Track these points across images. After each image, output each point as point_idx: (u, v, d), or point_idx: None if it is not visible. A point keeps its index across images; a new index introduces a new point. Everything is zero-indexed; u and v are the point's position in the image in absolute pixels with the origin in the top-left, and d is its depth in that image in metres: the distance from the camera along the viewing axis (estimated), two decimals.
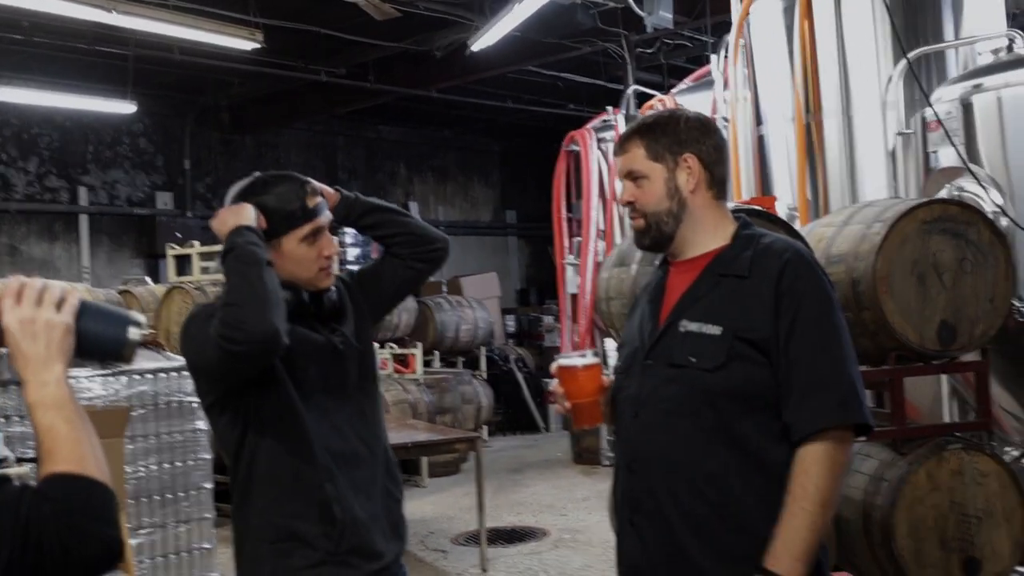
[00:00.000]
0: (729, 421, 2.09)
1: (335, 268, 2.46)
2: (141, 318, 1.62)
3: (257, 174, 2.45)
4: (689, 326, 2.14)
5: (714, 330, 2.11)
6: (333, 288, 2.47)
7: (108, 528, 1.39)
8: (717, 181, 2.24)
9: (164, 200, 13.77)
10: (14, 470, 4.26)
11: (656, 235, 2.25)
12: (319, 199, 2.40)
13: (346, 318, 2.50)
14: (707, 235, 2.22)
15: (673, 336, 2.17)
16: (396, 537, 2.47)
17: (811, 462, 2.03)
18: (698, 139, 2.22)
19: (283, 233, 2.33)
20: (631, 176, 2.25)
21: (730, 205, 4.04)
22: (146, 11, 7.80)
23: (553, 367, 2.31)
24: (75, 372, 5.45)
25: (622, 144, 2.28)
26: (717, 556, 2.09)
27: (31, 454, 4.83)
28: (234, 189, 2.43)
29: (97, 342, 1.57)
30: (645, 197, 2.23)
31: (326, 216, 2.41)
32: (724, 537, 2.09)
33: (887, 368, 3.97)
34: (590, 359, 2.28)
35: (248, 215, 2.30)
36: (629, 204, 2.27)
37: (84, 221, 12.92)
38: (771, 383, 2.08)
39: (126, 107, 11.03)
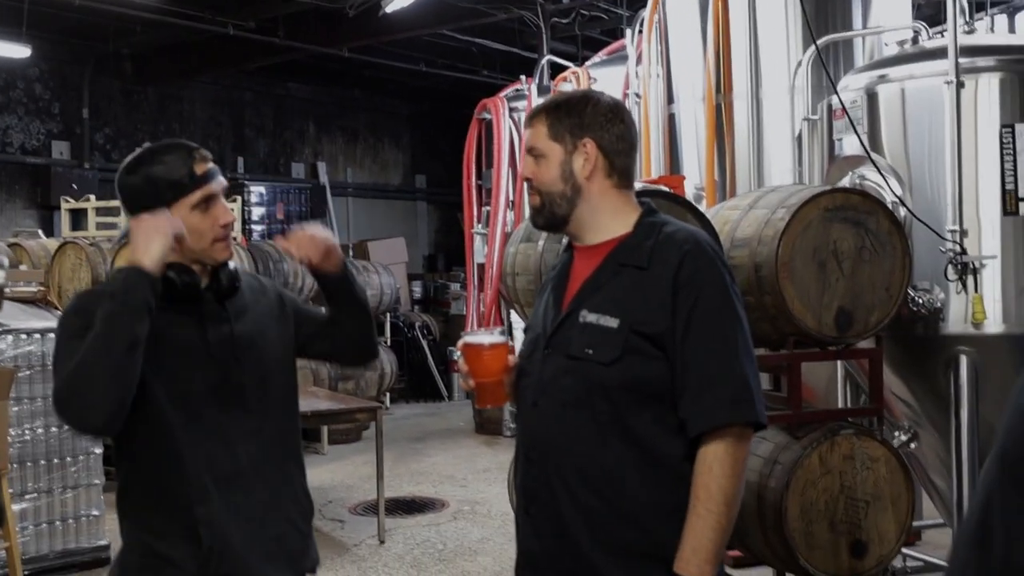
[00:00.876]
0: (624, 415, 2.07)
1: (232, 238, 2.35)
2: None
3: (147, 144, 2.34)
4: (588, 317, 2.12)
5: (611, 322, 2.08)
6: (233, 265, 2.36)
7: None
8: (619, 170, 2.19)
9: (60, 149, 13.28)
10: None
11: (549, 215, 2.22)
12: (210, 166, 2.29)
13: (248, 310, 2.37)
14: (607, 222, 2.18)
15: (572, 326, 2.14)
16: (289, 569, 2.35)
17: (712, 461, 2.02)
18: (602, 125, 2.16)
19: (171, 201, 2.22)
20: (532, 152, 2.22)
21: (638, 185, 4.04)
22: None
23: (459, 344, 2.28)
24: None
25: (529, 119, 2.26)
26: (609, 550, 2.07)
27: None
28: (124, 163, 2.30)
29: None
30: (541, 175, 2.20)
31: (219, 183, 2.29)
32: (616, 531, 2.08)
33: (785, 353, 4.02)
34: (497, 338, 2.24)
35: (160, 249, 2.13)
36: (527, 180, 2.25)
37: None
38: (667, 377, 2.06)
39: (20, 51, 10.55)
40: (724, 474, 2.01)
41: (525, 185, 2.30)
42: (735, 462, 2.03)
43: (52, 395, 2.12)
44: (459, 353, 2.26)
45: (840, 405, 5.14)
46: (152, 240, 2.13)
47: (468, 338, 2.24)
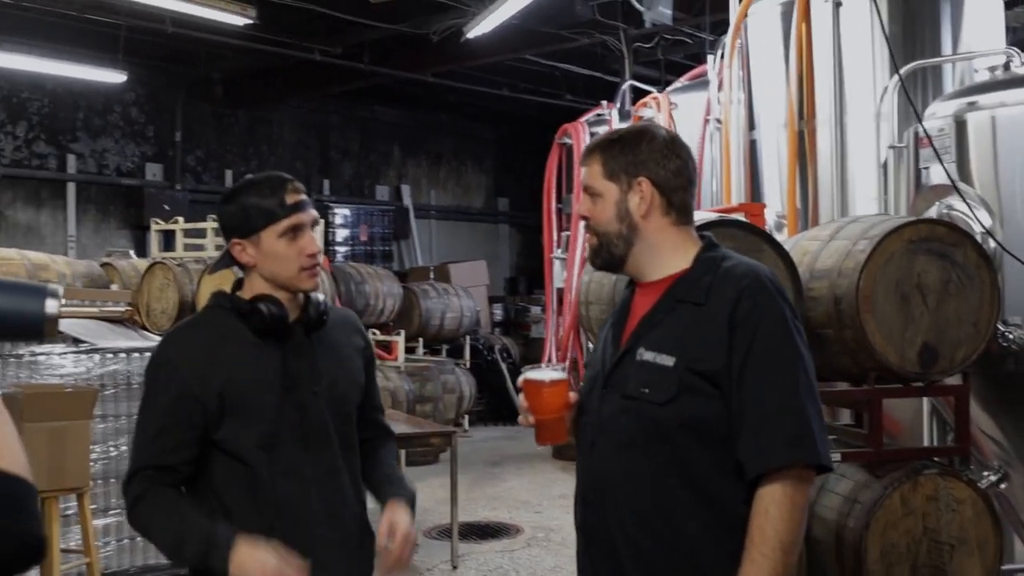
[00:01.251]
0: (682, 456, 2.02)
1: (319, 270, 2.39)
2: (59, 289, 1.51)
3: (248, 176, 2.42)
4: (645, 355, 2.07)
5: (667, 361, 2.03)
6: (322, 297, 2.40)
7: (22, 524, 1.26)
8: (676, 207, 2.13)
9: (153, 171, 13.66)
10: None
11: (607, 256, 2.18)
12: (302, 197, 2.34)
13: (334, 345, 2.41)
14: (665, 259, 2.14)
15: (629, 364, 2.10)
16: None
17: (768, 503, 1.94)
18: (657, 162, 2.12)
19: (261, 227, 2.29)
20: (587, 191, 2.19)
21: (711, 215, 3.98)
22: None
23: (520, 379, 2.25)
24: (46, 349, 5.40)
25: (585, 156, 2.22)
26: None
27: None
28: (225, 193, 2.39)
29: (10, 318, 1.44)
30: (598, 215, 2.16)
31: (309, 214, 2.34)
32: (673, 575, 2.03)
33: (866, 389, 3.90)
34: (557, 375, 2.21)
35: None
36: (584, 219, 2.22)
37: (71, 189, 12.80)
38: (724, 417, 2.00)
39: (116, 76, 10.90)
40: (781, 518, 1.93)
41: (582, 224, 2.26)
42: (793, 505, 1.94)
43: (127, 472, 2.28)
44: (519, 389, 2.23)
45: (926, 441, 4.96)
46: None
47: (529, 374, 2.21)
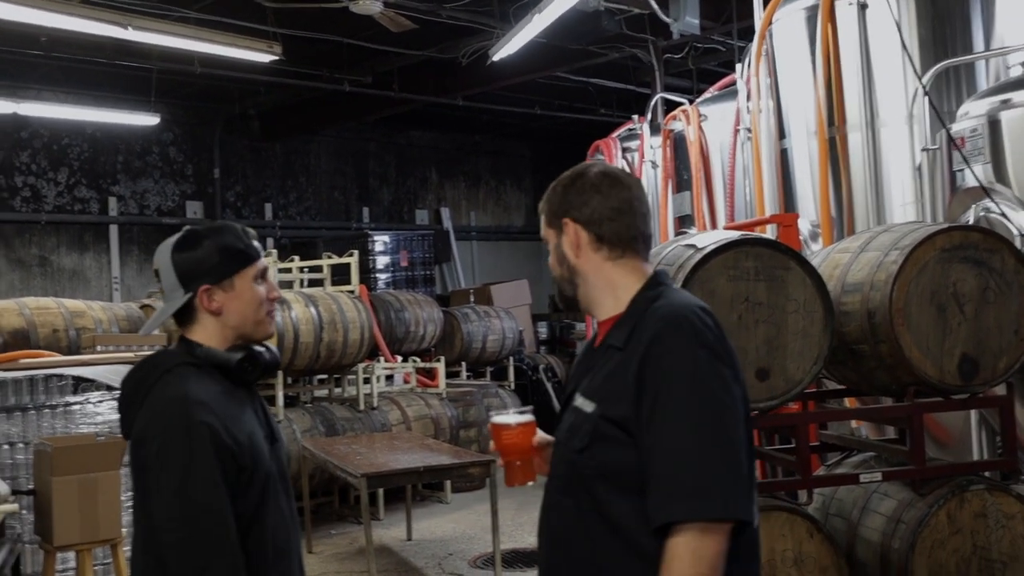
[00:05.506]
0: (603, 505, 1.93)
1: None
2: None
3: (189, 228, 2.33)
4: (577, 400, 2.05)
5: (589, 407, 1.99)
6: (275, 348, 2.37)
7: None
8: (608, 240, 2.08)
9: (194, 209, 13.80)
10: (5, 507, 4.19)
11: (562, 298, 2.19)
12: (257, 243, 2.32)
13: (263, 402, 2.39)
14: (606, 298, 2.10)
15: (569, 410, 2.09)
16: None
17: (671, 558, 1.83)
18: (581, 200, 2.09)
19: (236, 270, 2.23)
20: (544, 241, 2.21)
21: (733, 234, 3.86)
22: (162, 26, 7.76)
23: (489, 423, 2.25)
24: (81, 398, 5.41)
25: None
26: None
27: (29, 485, 4.78)
28: (173, 242, 2.28)
29: None
30: (550, 261, 2.20)
31: (267, 261, 2.34)
32: None
33: (905, 405, 3.76)
34: (524, 418, 2.24)
35: None
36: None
37: (114, 231, 12.98)
38: (639, 465, 1.90)
39: (150, 119, 11.04)
40: (683, 574, 1.82)
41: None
42: (697, 560, 1.82)
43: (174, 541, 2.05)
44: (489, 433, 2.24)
45: (975, 451, 4.79)
46: None
47: (496, 418, 2.22)
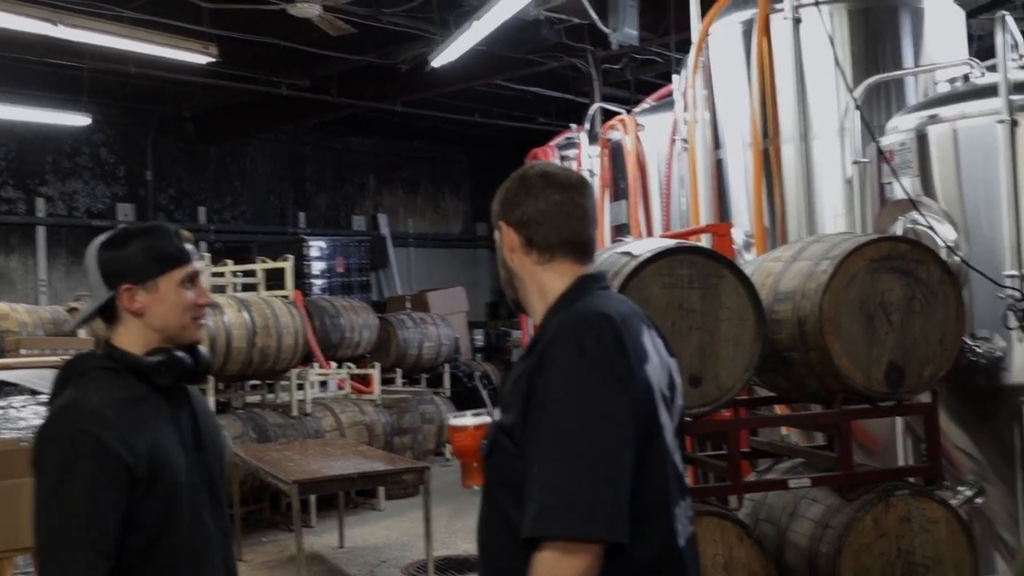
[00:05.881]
0: (504, 511, 1.91)
1: (207, 323, 2.33)
2: None
3: (123, 226, 2.30)
4: (495, 409, 2.06)
5: (497, 415, 1.99)
6: (203, 348, 2.32)
7: None
8: (537, 245, 2.07)
9: (125, 211, 13.55)
10: None
11: (511, 298, 2.19)
12: (191, 246, 2.27)
13: (199, 402, 2.34)
14: (537, 302, 2.10)
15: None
16: None
17: (531, 574, 1.80)
18: (514, 202, 2.10)
19: (161, 272, 2.19)
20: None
21: (667, 241, 3.90)
22: (94, 24, 7.61)
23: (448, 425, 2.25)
24: (4, 403, 5.27)
25: None
26: None
27: None
28: (101, 241, 2.24)
29: None
30: (498, 263, 2.20)
31: (199, 263, 2.30)
32: None
33: (833, 412, 3.83)
34: (481, 420, 2.23)
35: None
36: None
37: (41, 233, 12.68)
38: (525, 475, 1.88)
39: (80, 119, 10.82)
40: None
41: None
42: None
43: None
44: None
45: (900, 457, 4.90)
46: None
47: (453, 420, 2.22)
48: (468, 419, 2.23)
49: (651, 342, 2.00)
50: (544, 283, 2.07)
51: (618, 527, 1.79)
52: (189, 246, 2.25)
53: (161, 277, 2.18)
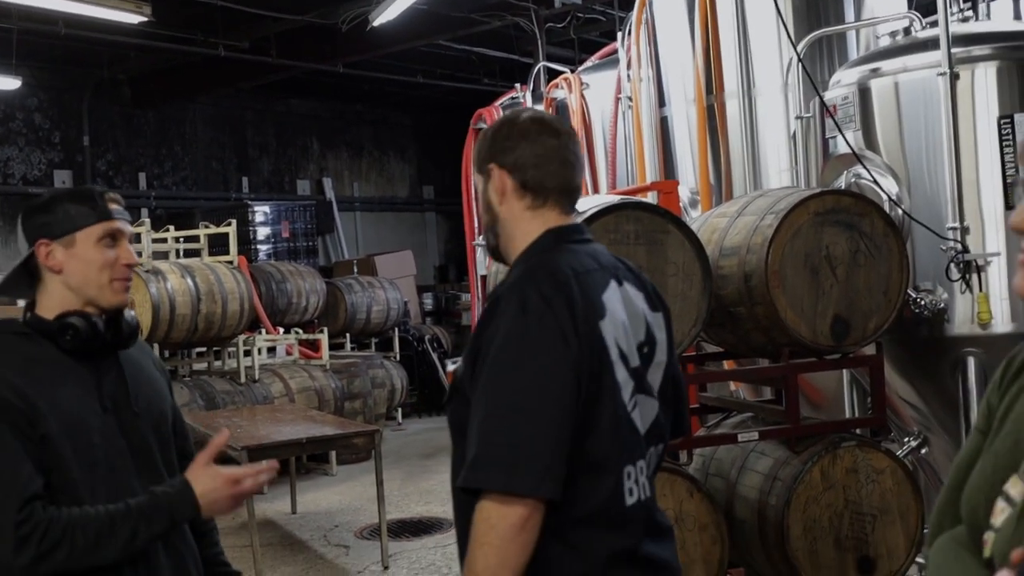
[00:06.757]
0: (461, 458, 1.92)
1: (130, 285, 2.25)
2: None
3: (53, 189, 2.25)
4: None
5: (459, 365, 2.01)
6: (131, 314, 2.26)
7: None
8: (531, 188, 2.04)
9: (63, 178, 13.23)
10: None
11: (490, 247, 2.15)
12: (118, 207, 2.21)
13: (140, 367, 2.27)
14: (514, 251, 2.08)
15: None
16: None
17: (473, 524, 1.83)
18: (507, 146, 2.05)
19: (76, 228, 2.13)
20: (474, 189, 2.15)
21: (613, 197, 3.89)
22: None
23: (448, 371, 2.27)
24: None
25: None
26: None
27: None
28: (32, 204, 2.20)
29: None
30: (478, 209, 2.18)
31: (126, 225, 2.22)
32: None
33: (780, 365, 3.85)
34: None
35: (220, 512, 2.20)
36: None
37: None
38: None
39: (11, 82, 10.51)
40: (476, 542, 1.82)
41: None
42: (488, 530, 1.80)
43: (30, 552, 1.93)
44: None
45: (847, 410, 4.96)
46: (223, 506, 2.16)
47: (452, 366, 2.21)
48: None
49: (619, 297, 1.98)
50: (528, 232, 2.04)
51: (548, 483, 1.80)
52: (114, 206, 2.19)
53: (78, 232, 2.13)
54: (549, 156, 2.04)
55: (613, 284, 1.99)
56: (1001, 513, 1.25)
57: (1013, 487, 1.24)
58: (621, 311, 1.97)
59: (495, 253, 2.14)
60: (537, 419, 1.81)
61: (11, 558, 1.91)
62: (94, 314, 2.15)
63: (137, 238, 8.62)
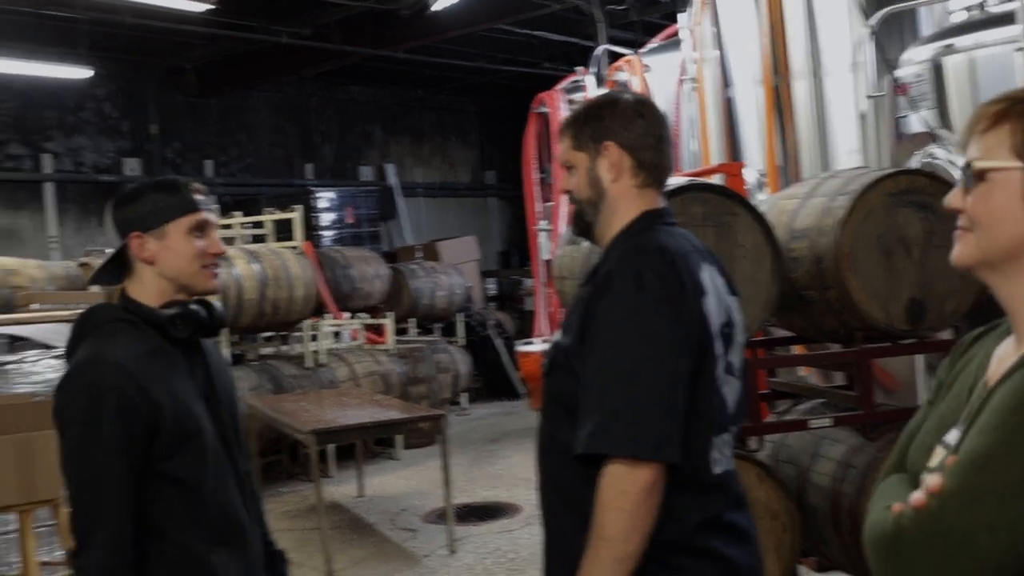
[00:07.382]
0: (556, 428, 2.03)
1: (219, 272, 2.29)
2: None
3: (142, 180, 2.31)
4: (559, 332, 2.13)
5: (558, 335, 2.09)
6: (219, 304, 2.31)
7: None
8: (648, 167, 2.11)
9: (131, 166, 13.47)
10: None
11: (581, 224, 2.21)
12: (204, 197, 2.26)
13: (212, 356, 2.32)
14: (611, 229, 2.13)
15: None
16: None
17: (600, 490, 1.88)
18: (623, 124, 2.11)
19: (169, 219, 2.18)
20: (564, 166, 2.21)
21: (682, 179, 3.83)
22: None
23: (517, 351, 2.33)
24: (17, 357, 5.26)
25: (560, 133, 2.25)
26: (555, 565, 2.09)
27: None
28: (119, 197, 2.25)
29: None
30: (574, 186, 2.18)
31: (214, 214, 2.27)
32: (552, 552, 2.09)
33: (853, 350, 3.78)
34: (546, 347, 2.25)
35: None
36: (567, 192, 2.24)
37: (49, 189, 12.62)
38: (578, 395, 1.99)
39: (82, 72, 10.70)
40: (607, 507, 1.86)
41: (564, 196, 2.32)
42: (619, 495, 1.85)
43: (85, 538, 2.02)
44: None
45: (920, 397, 4.86)
46: None
47: (521, 347, 2.27)
48: (536, 346, 2.29)
49: (710, 279, 2.04)
50: (630, 210, 2.11)
51: (672, 448, 1.87)
52: (199, 196, 2.23)
53: (169, 224, 2.18)
54: (662, 138, 2.13)
55: (705, 265, 2.06)
56: (936, 456, 1.36)
57: (950, 436, 1.35)
58: (713, 291, 2.03)
59: (586, 230, 2.19)
60: (657, 390, 1.88)
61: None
62: (190, 303, 2.20)
63: None
